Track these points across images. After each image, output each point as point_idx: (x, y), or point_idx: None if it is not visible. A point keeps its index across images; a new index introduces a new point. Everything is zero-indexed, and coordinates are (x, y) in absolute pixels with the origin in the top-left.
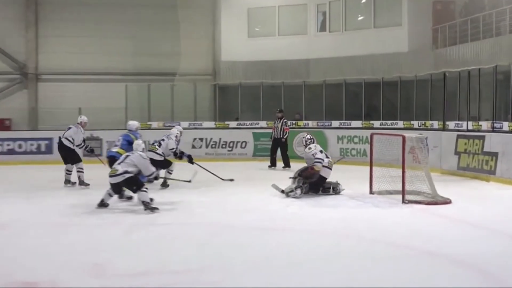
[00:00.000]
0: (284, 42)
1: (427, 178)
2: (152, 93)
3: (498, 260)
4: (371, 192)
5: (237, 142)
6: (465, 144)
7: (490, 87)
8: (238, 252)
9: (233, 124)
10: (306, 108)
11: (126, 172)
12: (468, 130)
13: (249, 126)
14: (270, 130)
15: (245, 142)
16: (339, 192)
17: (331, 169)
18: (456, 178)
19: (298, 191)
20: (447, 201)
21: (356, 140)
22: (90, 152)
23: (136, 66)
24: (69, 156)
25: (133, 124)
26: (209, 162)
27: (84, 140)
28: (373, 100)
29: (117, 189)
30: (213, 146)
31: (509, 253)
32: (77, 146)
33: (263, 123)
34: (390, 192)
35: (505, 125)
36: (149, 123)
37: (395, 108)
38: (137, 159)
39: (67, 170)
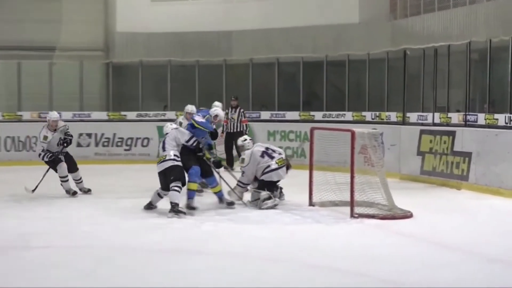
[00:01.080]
0: (198, 9)
1: (382, 186)
2: (23, 73)
3: None
4: (311, 204)
5: (137, 138)
6: (431, 141)
7: (462, 69)
8: (133, 282)
9: (131, 115)
10: (227, 95)
11: (175, 159)
12: (434, 124)
13: (153, 118)
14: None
15: (148, 139)
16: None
17: (281, 168)
18: (419, 185)
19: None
20: (407, 215)
21: (292, 136)
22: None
23: (2, 37)
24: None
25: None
26: (100, 165)
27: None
28: (314, 85)
29: (164, 180)
30: (105, 144)
31: (488, 282)
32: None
33: (171, 114)
34: (335, 204)
35: (481, 118)
36: (19, 113)
37: (342, 95)
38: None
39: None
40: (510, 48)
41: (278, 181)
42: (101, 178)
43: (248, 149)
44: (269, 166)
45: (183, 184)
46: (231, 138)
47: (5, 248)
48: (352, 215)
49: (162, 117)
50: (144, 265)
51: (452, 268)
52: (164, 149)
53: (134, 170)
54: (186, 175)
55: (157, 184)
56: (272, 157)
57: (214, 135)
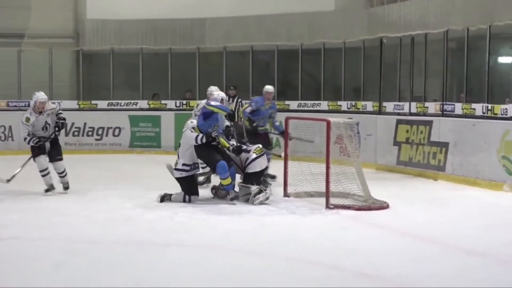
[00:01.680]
0: None
1: (358, 176)
2: None
3: (452, 283)
4: (286, 195)
5: (109, 128)
6: (407, 131)
7: (439, 58)
8: (104, 274)
9: (102, 104)
10: (200, 83)
11: (183, 169)
12: (411, 114)
13: (125, 107)
14: (156, 113)
15: (119, 129)
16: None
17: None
18: (396, 175)
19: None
20: (383, 206)
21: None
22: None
23: None
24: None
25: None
26: (70, 155)
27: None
28: (289, 74)
29: None
30: (76, 133)
31: (466, 276)
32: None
33: (143, 103)
34: (310, 194)
35: (458, 107)
36: None
37: (317, 84)
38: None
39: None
40: (487, 36)
41: (263, 170)
42: (72, 169)
43: None
44: (248, 158)
45: (189, 193)
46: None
47: None
48: (328, 206)
49: (134, 106)
50: (116, 256)
51: (428, 260)
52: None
53: (105, 160)
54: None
55: (129, 174)
56: (248, 151)
57: (232, 116)
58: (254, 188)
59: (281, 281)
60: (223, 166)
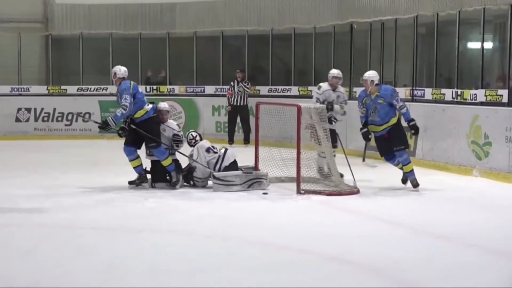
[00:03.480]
0: None
1: (329, 162)
2: None
3: (420, 267)
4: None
5: (79, 113)
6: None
7: (409, 44)
8: (74, 260)
9: (72, 89)
10: (170, 69)
11: None
12: None
13: (94, 92)
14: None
15: (89, 114)
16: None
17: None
18: (366, 160)
19: None
20: (353, 191)
21: None
22: None
23: None
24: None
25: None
26: (40, 141)
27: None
28: (259, 59)
29: None
30: (45, 119)
31: (435, 259)
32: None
33: (112, 88)
34: (281, 180)
35: (428, 93)
36: None
37: (288, 69)
38: None
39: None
40: (457, 22)
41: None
42: (41, 154)
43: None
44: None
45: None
46: (235, 112)
47: None
48: (299, 192)
49: (104, 91)
50: (86, 242)
51: (397, 245)
52: None
53: (75, 146)
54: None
55: (99, 160)
56: (215, 152)
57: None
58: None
59: (253, 265)
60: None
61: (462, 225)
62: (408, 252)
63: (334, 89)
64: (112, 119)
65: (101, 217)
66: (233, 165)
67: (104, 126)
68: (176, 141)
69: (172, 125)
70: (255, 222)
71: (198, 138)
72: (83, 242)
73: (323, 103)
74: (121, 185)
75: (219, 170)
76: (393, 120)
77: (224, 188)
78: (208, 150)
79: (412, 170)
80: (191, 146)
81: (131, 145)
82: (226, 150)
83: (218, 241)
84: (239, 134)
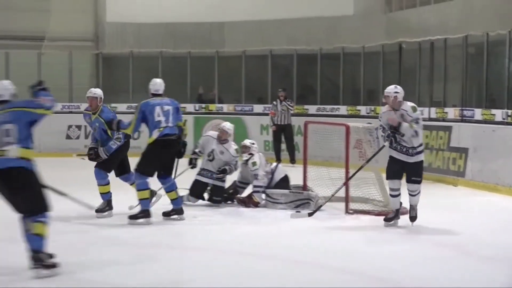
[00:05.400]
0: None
1: (377, 181)
2: (11, 64)
3: None
4: None
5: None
6: (427, 137)
7: (459, 63)
8: (118, 275)
9: (121, 107)
10: (219, 87)
11: None
12: (430, 119)
13: None
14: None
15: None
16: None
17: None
18: None
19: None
20: (402, 211)
21: None
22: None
23: None
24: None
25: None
26: None
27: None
28: (308, 78)
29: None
30: None
31: (480, 281)
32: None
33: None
34: (329, 199)
35: (478, 113)
36: None
37: (336, 88)
38: None
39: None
40: (507, 42)
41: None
42: (92, 172)
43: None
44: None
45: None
46: (280, 131)
47: None
48: (347, 211)
49: None
50: (133, 259)
51: (445, 266)
52: None
53: None
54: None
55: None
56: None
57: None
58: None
59: (300, 285)
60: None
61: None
62: (452, 273)
63: (395, 109)
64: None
65: (148, 233)
66: (284, 180)
67: (95, 158)
68: (230, 167)
69: (231, 149)
70: (302, 241)
71: (256, 146)
72: (130, 259)
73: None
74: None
75: (269, 184)
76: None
77: (271, 205)
78: (265, 162)
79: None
80: (249, 154)
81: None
82: (277, 164)
83: (265, 261)
84: (285, 153)
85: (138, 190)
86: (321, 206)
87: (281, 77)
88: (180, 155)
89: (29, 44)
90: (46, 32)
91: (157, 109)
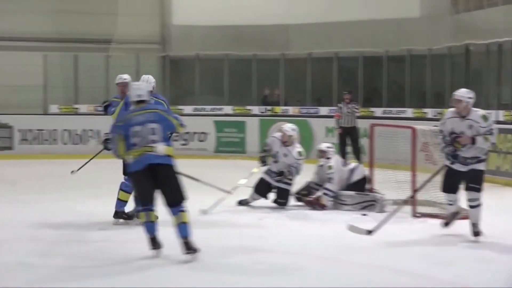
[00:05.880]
0: (256, 1)
1: None
2: (80, 66)
3: None
4: None
5: (194, 133)
6: None
7: None
8: (180, 274)
9: (188, 109)
10: (285, 90)
11: None
12: (498, 122)
13: (210, 112)
14: (241, 118)
15: (205, 134)
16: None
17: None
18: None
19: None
20: (464, 216)
21: None
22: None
23: (59, 29)
24: None
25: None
26: None
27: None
28: (373, 80)
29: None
30: None
31: None
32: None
33: (228, 109)
34: (396, 202)
35: None
36: (75, 106)
37: (402, 91)
38: None
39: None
40: None
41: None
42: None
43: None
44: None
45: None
46: (344, 134)
47: None
48: (414, 215)
49: (219, 112)
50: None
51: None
52: None
53: (191, 165)
54: None
55: (213, 179)
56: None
57: None
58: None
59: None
60: None
61: None
62: None
63: (462, 116)
64: None
65: (217, 235)
66: (361, 182)
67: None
68: (290, 170)
69: (294, 152)
70: (369, 244)
71: (333, 149)
72: (192, 261)
73: (450, 136)
74: (232, 205)
75: (346, 184)
76: None
77: (337, 206)
78: (343, 163)
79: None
80: (326, 158)
81: None
82: (358, 165)
83: (330, 263)
84: (351, 156)
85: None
86: (381, 225)
87: (346, 80)
88: None
89: (97, 47)
90: (113, 35)
91: None
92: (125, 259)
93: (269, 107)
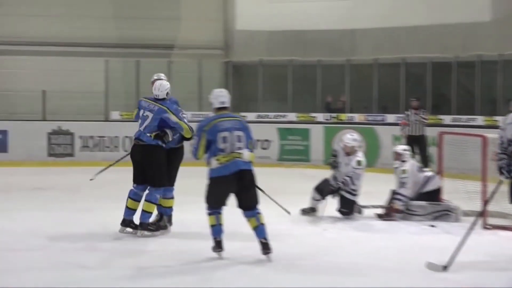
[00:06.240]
0: (320, 6)
1: None
2: (141, 72)
3: None
4: None
5: (257, 140)
6: None
7: None
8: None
9: (251, 116)
10: (350, 96)
11: None
12: None
13: (273, 119)
14: (305, 126)
15: (268, 142)
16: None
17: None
18: None
19: None
20: None
21: None
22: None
23: (121, 35)
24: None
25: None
26: None
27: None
28: (442, 87)
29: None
30: None
31: None
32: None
33: (292, 116)
34: (465, 213)
35: None
36: None
37: (472, 97)
38: None
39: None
40: None
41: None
42: None
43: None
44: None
45: None
46: (412, 142)
47: None
48: (485, 226)
49: (282, 119)
50: (261, 270)
51: None
52: None
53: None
54: None
55: (276, 188)
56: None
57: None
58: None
59: None
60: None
61: None
62: None
63: None
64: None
65: (280, 246)
66: (435, 192)
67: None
68: (345, 180)
69: (353, 161)
70: (437, 257)
71: (409, 153)
72: (256, 270)
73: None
74: (296, 215)
75: (419, 192)
76: None
77: (408, 217)
78: (419, 169)
79: None
80: (401, 161)
81: None
82: (435, 174)
83: (398, 275)
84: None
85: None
86: (455, 256)
87: (414, 86)
88: None
89: (159, 52)
90: (175, 40)
91: None
92: (189, 261)
93: (334, 114)
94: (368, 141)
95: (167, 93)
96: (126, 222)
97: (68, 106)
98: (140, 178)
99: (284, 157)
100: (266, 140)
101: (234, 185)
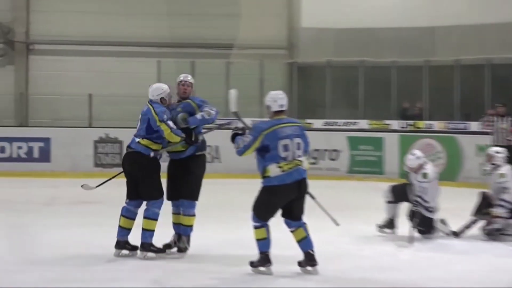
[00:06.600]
0: (395, 1)
1: None
2: (197, 73)
3: None
4: None
5: (325, 150)
6: None
7: None
8: None
9: (317, 123)
10: (429, 101)
11: None
12: None
13: (343, 127)
14: (379, 134)
15: (337, 152)
16: None
17: None
18: None
19: None
20: None
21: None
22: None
23: (175, 34)
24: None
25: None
26: None
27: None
28: None
29: None
30: None
31: None
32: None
33: (363, 123)
34: None
35: None
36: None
37: None
38: None
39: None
40: None
41: None
42: None
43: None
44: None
45: None
46: None
47: None
48: None
49: (353, 126)
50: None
51: None
52: None
53: (321, 187)
54: None
55: (347, 204)
56: None
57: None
58: None
59: None
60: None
61: None
62: None
63: None
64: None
65: (350, 267)
66: None
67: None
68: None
69: (419, 174)
70: None
71: (504, 155)
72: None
73: None
74: (371, 233)
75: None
76: None
77: (502, 238)
78: None
79: None
80: (491, 164)
81: None
82: None
83: None
84: None
85: None
86: None
87: (500, 90)
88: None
89: (216, 52)
90: (235, 40)
91: None
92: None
93: (410, 122)
94: (448, 151)
95: (162, 99)
96: (121, 244)
97: (116, 111)
98: (133, 193)
99: (354, 169)
100: (335, 150)
101: (294, 194)
